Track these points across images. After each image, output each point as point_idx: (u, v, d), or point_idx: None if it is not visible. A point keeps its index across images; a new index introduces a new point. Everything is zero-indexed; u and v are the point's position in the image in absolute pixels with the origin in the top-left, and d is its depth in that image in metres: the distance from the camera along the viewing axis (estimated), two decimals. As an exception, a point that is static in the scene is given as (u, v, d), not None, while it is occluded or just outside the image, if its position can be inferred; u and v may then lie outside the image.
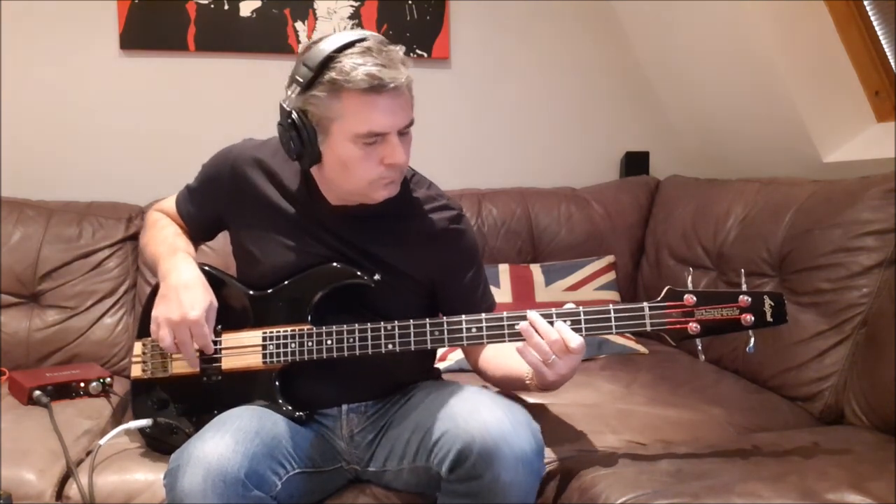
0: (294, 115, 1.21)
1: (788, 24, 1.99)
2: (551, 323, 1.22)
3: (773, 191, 1.93)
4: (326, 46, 1.18)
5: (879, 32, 1.97)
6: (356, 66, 1.15)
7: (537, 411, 1.61)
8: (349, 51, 1.17)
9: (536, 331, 1.21)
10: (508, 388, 1.43)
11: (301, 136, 1.22)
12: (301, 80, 1.19)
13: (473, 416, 1.15)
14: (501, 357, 1.39)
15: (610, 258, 2.27)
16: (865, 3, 1.95)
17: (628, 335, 2.11)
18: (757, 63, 2.08)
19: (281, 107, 1.24)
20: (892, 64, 1.98)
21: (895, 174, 1.64)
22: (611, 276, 2.23)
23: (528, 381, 1.31)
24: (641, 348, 2.06)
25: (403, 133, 1.23)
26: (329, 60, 1.17)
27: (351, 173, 1.24)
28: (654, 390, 1.74)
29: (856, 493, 1.16)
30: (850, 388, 1.58)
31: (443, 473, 1.16)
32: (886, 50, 1.98)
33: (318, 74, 1.17)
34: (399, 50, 1.21)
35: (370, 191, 1.27)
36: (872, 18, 1.96)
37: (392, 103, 1.18)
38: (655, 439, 1.50)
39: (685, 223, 2.16)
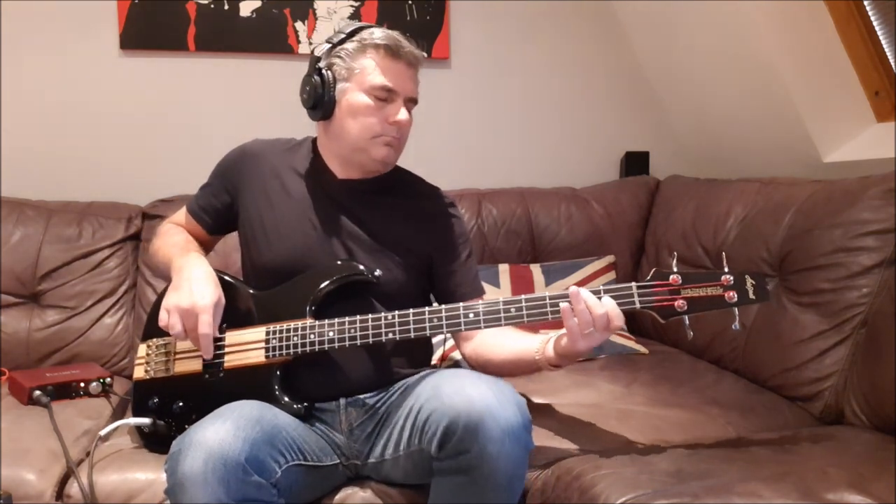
0: (322, 63, 1.41)
1: (788, 24, 1.99)
2: (599, 298, 1.24)
3: (773, 191, 1.93)
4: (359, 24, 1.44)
5: (879, 32, 1.97)
6: (383, 31, 1.40)
7: (538, 411, 1.61)
8: (377, 27, 1.42)
9: (584, 301, 1.23)
10: (513, 372, 1.43)
11: (323, 81, 1.39)
12: (334, 39, 1.42)
13: (458, 392, 1.17)
14: (502, 340, 1.41)
15: (610, 258, 2.27)
16: (865, 3, 1.96)
17: (629, 335, 2.11)
18: (757, 63, 2.08)
19: (312, 54, 1.44)
20: (892, 64, 1.99)
21: (895, 174, 1.64)
22: (611, 276, 2.23)
23: (537, 358, 1.33)
24: (641, 348, 2.06)
25: (408, 107, 1.41)
26: (361, 28, 1.42)
27: (359, 124, 1.39)
28: (654, 390, 1.74)
29: (856, 493, 1.16)
30: (850, 388, 1.58)
31: (433, 453, 1.18)
32: (886, 50, 1.98)
33: (350, 35, 1.40)
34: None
35: (371, 146, 1.40)
36: (872, 18, 1.97)
37: (406, 70, 1.40)
38: (655, 439, 1.50)
39: (685, 223, 2.16)
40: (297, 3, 2.32)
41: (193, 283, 1.36)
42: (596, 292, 1.25)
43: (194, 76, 2.32)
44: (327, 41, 1.43)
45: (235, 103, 2.33)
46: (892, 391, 1.44)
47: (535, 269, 2.20)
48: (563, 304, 1.24)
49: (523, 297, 1.29)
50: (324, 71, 1.40)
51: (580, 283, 2.18)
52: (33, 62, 2.21)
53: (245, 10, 2.30)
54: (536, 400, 1.68)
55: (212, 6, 2.28)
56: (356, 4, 2.36)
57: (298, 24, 2.33)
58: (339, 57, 1.40)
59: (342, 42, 1.40)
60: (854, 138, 2.06)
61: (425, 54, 1.45)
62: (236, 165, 1.52)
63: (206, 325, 1.34)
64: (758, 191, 1.97)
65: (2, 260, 1.94)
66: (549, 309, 1.28)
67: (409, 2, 2.39)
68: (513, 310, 1.29)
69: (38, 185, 2.16)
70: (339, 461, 1.37)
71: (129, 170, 2.29)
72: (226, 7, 2.29)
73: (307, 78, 1.42)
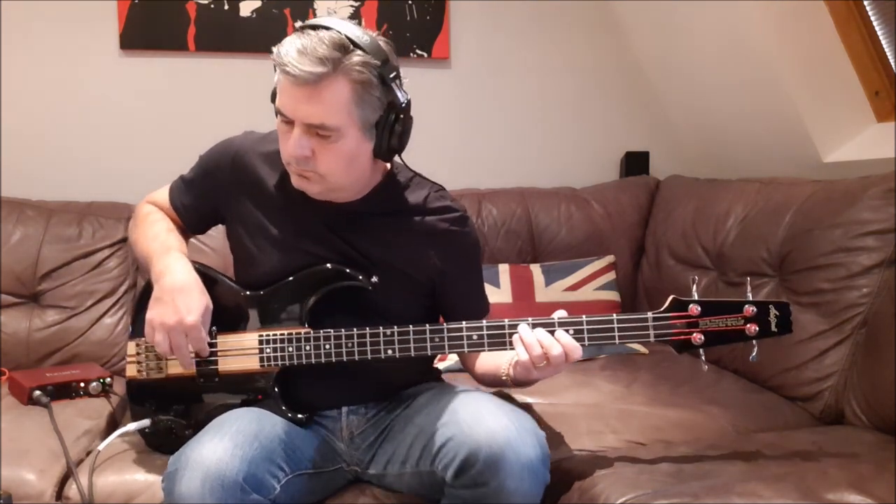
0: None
1: (788, 24, 1.99)
2: (552, 332, 1.20)
3: (773, 191, 1.93)
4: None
5: (879, 32, 1.97)
6: (285, 44, 1.17)
7: (538, 411, 1.61)
8: (303, 31, 1.19)
9: (541, 344, 1.19)
10: (490, 385, 1.43)
11: (273, 102, 1.24)
12: None
13: (479, 422, 1.14)
14: (485, 356, 1.40)
15: (610, 258, 2.27)
16: (865, 3, 1.95)
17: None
18: (757, 63, 2.08)
19: None
20: (892, 64, 1.98)
21: (895, 174, 1.64)
22: (611, 276, 2.23)
23: (504, 378, 1.31)
24: (642, 348, 2.06)
25: (324, 136, 1.18)
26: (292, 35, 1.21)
27: (280, 149, 1.25)
28: (655, 390, 1.74)
29: (856, 494, 1.16)
30: (850, 388, 1.58)
31: (447, 479, 1.16)
32: (886, 50, 1.98)
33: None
34: (349, 56, 1.16)
35: (291, 175, 1.26)
36: (872, 18, 1.96)
37: (296, 92, 1.16)
38: (655, 439, 1.50)
39: (685, 223, 2.16)
40: (297, 3, 2.32)
41: (177, 296, 1.26)
42: (550, 325, 1.21)
43: (194, 76, 2.32)
44: None
45: (235, 103, 2.33)
46: (892, 391, 1.44)
47: (535, 270, 2.19)
48: (515, 338, 1.21)
49: (530, 319, 1.24)
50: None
51: (580, 284, 2.19)
52: (33, 62, 2.21)
53: (245, 10, 2.30)
54: (537, 400, 1.68)
55: (212, 6, 2.28)
56: (356, 4, 2.36)
57: (298, 25, 2.33)
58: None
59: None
60: (854, 138, 2.06)
61: (359, 61, 1.16)
62: (222, 172, 1.39)
63: (197, 340, 1.28)
64: (758, 191, 1.97)
65: (2, 260, 1.94)
66: (507, 339, 1.24)
67: (409, 2, 2.38)
68: (475, 336, 1.25)
69: (38, 185, 2.16)
70: (340, 465, 1.36)
71: (129, 170, 2.28)
72: (226, 7, 2.29)
73: None
